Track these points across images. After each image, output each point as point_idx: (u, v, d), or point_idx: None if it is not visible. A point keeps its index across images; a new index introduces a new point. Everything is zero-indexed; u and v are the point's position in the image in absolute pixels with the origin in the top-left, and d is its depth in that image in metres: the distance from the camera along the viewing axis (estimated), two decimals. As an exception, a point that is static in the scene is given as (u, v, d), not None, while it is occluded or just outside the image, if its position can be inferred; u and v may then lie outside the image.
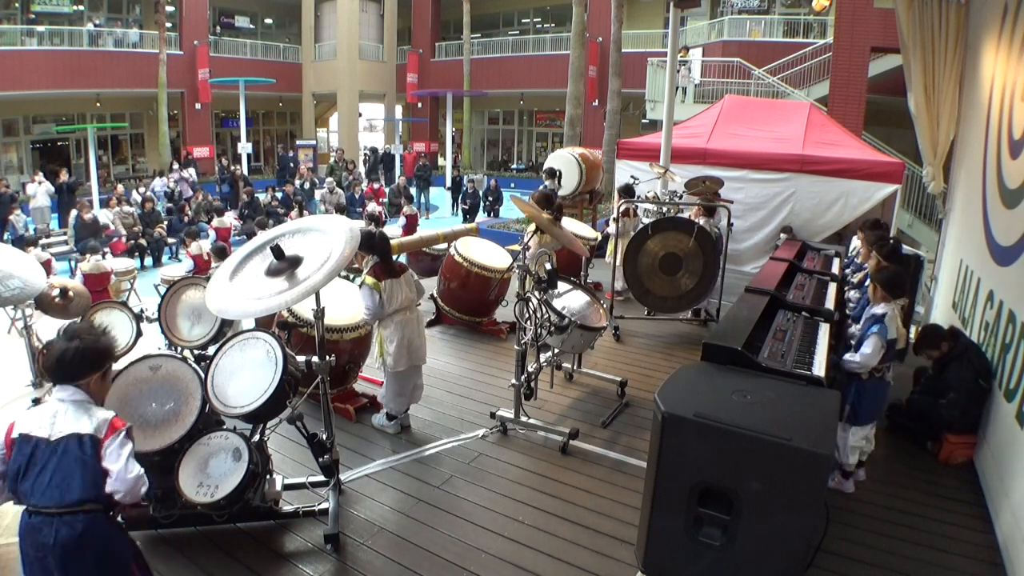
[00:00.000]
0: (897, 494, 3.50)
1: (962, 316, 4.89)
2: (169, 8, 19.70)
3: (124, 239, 11.72)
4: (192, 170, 17.23)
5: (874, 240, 4.19)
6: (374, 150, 23.80)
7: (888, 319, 3.21)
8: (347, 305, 4.22)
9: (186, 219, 13.25)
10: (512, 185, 20.74)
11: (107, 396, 2.63)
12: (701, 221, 5.85)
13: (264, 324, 3.74)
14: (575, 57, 15.54)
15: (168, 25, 19.42)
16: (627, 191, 6.34)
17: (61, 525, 1.89)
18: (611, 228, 6.66)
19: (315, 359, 3.00)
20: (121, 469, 1.93)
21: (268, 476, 2.94)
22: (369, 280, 3.64)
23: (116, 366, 3.17)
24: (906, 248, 5.05)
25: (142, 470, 2.00)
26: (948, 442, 3.88)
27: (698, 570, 2.29)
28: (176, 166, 17.45)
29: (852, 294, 4.35)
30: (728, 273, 5.94)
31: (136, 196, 13.91)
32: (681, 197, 6.73)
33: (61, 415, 1.95)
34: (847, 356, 3.26)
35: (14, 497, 1.96)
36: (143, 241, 12.16)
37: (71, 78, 18.06)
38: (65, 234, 11.90)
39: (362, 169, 21.58)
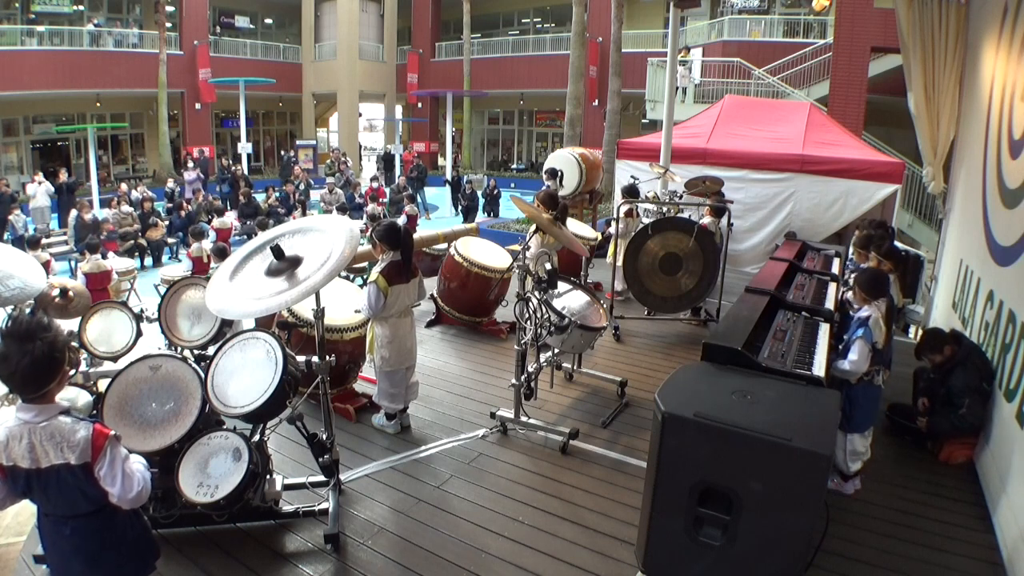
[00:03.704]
0: (897, 494, 3.49)
1: (962, 316, 4.89)
2: (169, 8, 19.73)
3: (117, 240, 11.70)
4: (199, 171, 17.19)
5: (863, 242, 4.19)
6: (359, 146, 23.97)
7: (873, 322, 3.18)
8: (347, 305, 4.22)
9: (182, 214, 13.28)
10: (512, 185, 20.76)
11: (107, 396, 2.66)
12: (708, 221, 5.84)
13: (264, 324, 3.74)
14: (575, 57, 15.55)
15: (168, 25, 19.45)
16: (631, 191, 6.34)
17: (76, 524, 1.92)
18: (613, 229, 6.65)
19: (315, 359, 3.00)
20: (120, 489, 1.85)
21: (268, 476, 2.94)
22: (381, 282, 3.57)
23: (116, 366, 3.18)
24: (902, 246, 5.04)
25: (141, 475, 1.92)
26: (948, 442, 3.88)
27: (698, 570, 2.29)
28: (191, 164, 17.44)
29: (850, 295, 4.34)
30: (728, 273, 5.94)
31: (135, 195, 13.93)
32: (681, 197, 6.74)
33: (38, 445, 1.78)
34: (836, 363, 3.21)
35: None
36: (143, 241, 12.16)
37: (71, 78, 18.08)
38: (65, 234, 11.91)
39: (363, 169, 21.61)
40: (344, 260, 2.68)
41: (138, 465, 1.96)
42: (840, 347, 3.33)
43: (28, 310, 3.28)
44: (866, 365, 3.17)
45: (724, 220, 6.00)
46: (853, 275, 4.64)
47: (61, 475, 1.81)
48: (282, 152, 23.16)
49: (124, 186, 14.18)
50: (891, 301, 3.55)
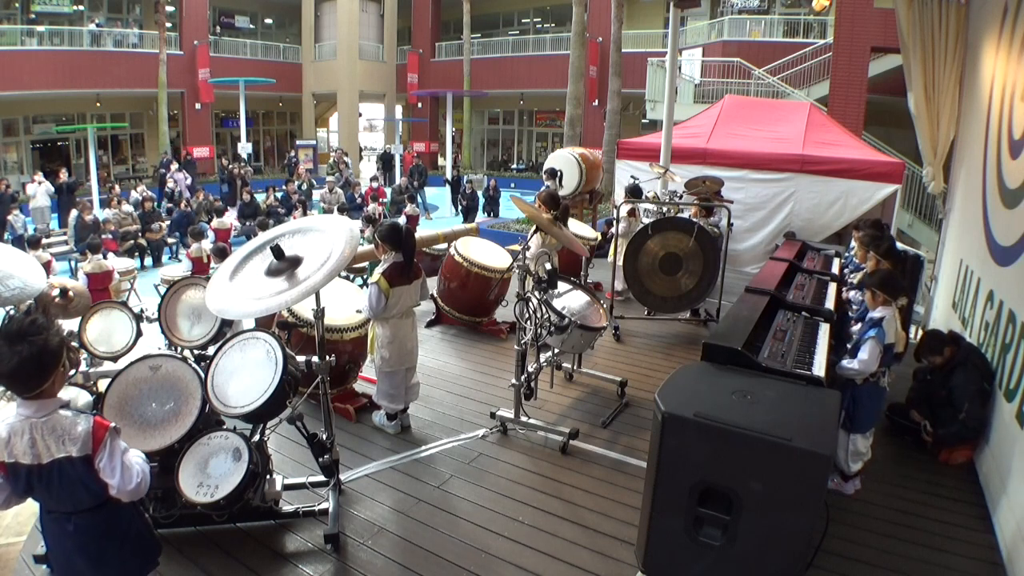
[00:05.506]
0: (897, 494, 3.49)
1: (962, 316, 4.89)
2: (169, 8, 19.71)
3: (117, 240, 11.69)
4: (183, 174, 17.02)
5: (868, 240, 4.18)
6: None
7: (886, 323, 3.17)
8: (347, 305, 4.21)
9: (183, 207, 13.25)
10: (512, 185, 20.77)
11: (107, 396, 2.66)
12: (701, 222, 5.83)
13: (264, 324, 3.73)
14: (575, 57, 15.54)
15: (168, 25, 19.44)
16: (634, 191, 6.34)
17: (79, 521, 1.93)
18: (614, 228, 6.64)
19: (315, 359, 2.99)
20: (119, 480, 1.86)
21: (268, 476, 2.94)
22: (382, 283, 3.57)
23: (116, 366, 3.18)
24: (902, 246, 5.03)
25: (140, 467, 1.93)
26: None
27: (698, 570, 2.29)
28: (175, 166, 17.35)
29: (851, 294, 4.34)
30: (728, 273, 5.93)
31: (135, 195, 13.91)
32: (681, 197, 6.74)
33: (39, 440, 1.80)
34: (844, 362, 3.20)
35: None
36: (143, 241, 12.16)
37: (71, 78, 18.07)
38: (65, 234, 11.90)
39: (363, 169, 21.56)
40: (344, 260, 2.68)
41: (137, 458, 1.97)
42: (849, 346, 3.33)
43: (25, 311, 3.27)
44: (875, 366, 3.16)
45: (724, 220, 5.99)
46: (854, 274, 4.65)
47: (63, 469, 1.82)
48: (240, 154, 22.74)
49: (117, 188, 14.14)
50: (911, 300, 3.52)
